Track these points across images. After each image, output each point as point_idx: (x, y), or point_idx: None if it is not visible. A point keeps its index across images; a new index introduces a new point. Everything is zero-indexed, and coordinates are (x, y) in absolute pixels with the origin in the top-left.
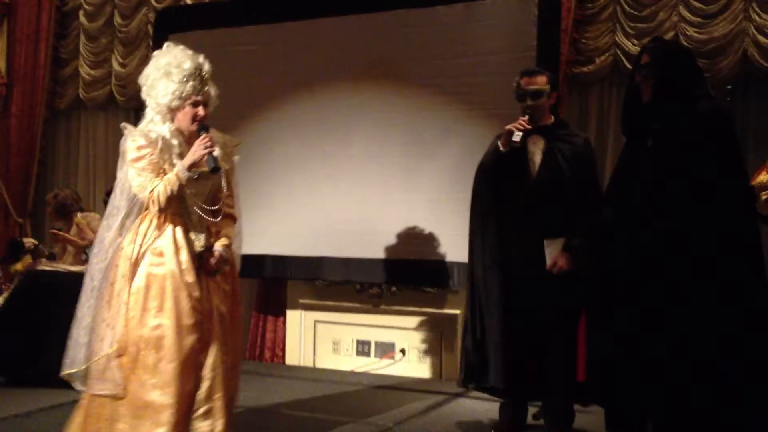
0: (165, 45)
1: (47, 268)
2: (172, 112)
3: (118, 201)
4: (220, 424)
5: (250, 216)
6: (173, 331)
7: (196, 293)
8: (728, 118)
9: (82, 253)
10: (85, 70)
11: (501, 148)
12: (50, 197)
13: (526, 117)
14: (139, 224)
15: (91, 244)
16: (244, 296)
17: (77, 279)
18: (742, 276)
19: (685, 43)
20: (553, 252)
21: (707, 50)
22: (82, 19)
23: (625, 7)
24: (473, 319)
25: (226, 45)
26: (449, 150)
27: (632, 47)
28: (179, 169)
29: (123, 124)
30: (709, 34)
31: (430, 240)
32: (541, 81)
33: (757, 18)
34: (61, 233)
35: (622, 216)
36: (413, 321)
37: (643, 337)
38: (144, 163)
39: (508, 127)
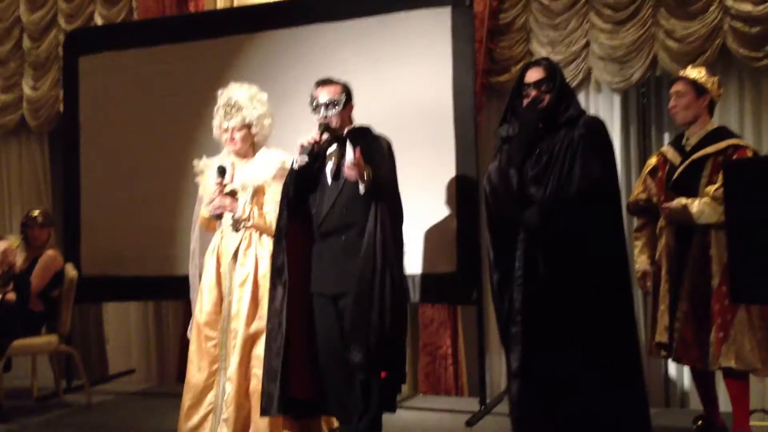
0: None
1: None
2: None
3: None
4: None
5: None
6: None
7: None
8: (604, 124)
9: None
10: None
11: (294, 165)
12: None
13: (318, 132)
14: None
15: (9, 270)
16: (175, 318)
17: None
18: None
19: (596, 50)
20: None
21: (619, 56)
22: None
23: (538, 16)
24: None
25: (137, 65)
26: None
27: (546, 55)
28: (204, 206)
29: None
30: (620, 40)
31: None
32: (335, 91)
33: (665, 23)
34: None
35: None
36: None
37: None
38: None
39: (300, 142)
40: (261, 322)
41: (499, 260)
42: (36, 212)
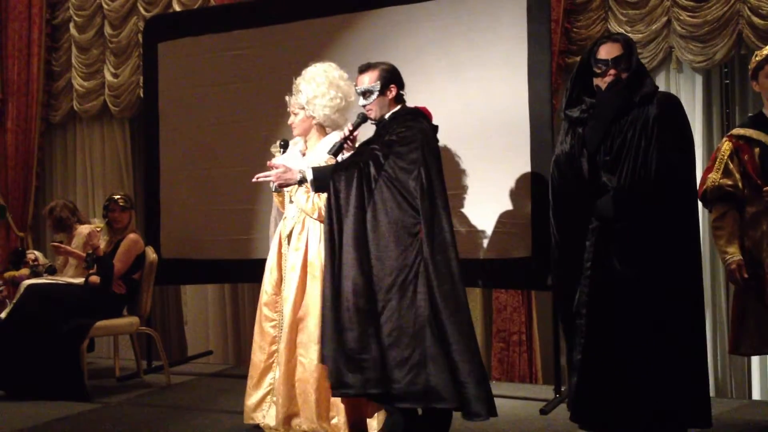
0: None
1: (47, 281)
2: None
3: None
4: None
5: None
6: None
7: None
8: (679, 102)
9: (84, 263)
10: (78, 82)
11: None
12: (46, 211)
13: (349, 127)
14: None
15: (93, 253)
16: (251, 301)
17: (77, 290)
18: (685, 264)
19: (678, 27)
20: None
21: (701, 34)
22: (73, 31)
23: None
24: None
25: (215, 50)
26: None
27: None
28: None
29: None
30: (703, 17)
31: None
32: (371, 78)
33: None
34: (62, 246)
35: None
36: None
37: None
38: None
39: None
40: (305, 308)
41: (564, 250)
42: (118, 196)
